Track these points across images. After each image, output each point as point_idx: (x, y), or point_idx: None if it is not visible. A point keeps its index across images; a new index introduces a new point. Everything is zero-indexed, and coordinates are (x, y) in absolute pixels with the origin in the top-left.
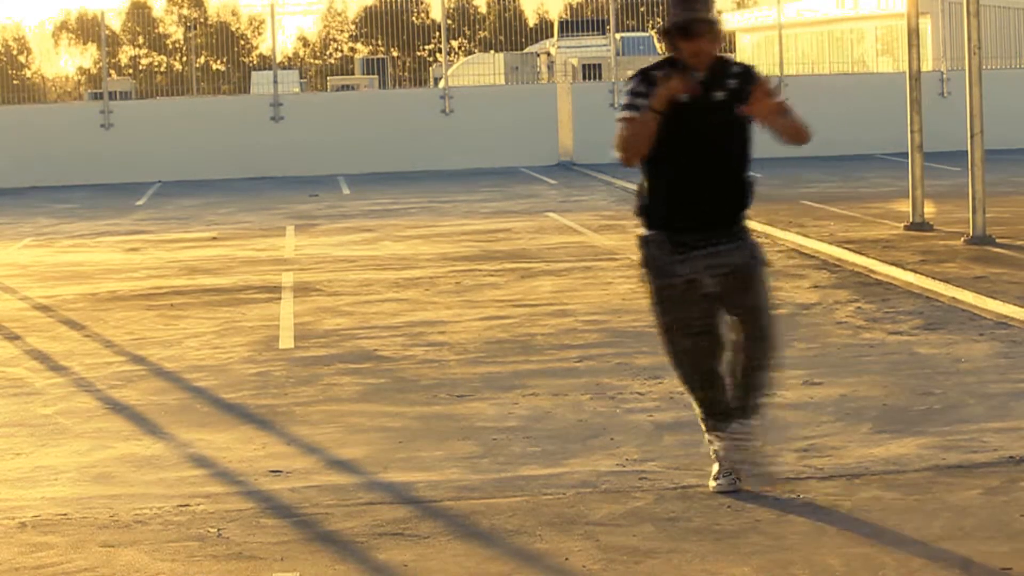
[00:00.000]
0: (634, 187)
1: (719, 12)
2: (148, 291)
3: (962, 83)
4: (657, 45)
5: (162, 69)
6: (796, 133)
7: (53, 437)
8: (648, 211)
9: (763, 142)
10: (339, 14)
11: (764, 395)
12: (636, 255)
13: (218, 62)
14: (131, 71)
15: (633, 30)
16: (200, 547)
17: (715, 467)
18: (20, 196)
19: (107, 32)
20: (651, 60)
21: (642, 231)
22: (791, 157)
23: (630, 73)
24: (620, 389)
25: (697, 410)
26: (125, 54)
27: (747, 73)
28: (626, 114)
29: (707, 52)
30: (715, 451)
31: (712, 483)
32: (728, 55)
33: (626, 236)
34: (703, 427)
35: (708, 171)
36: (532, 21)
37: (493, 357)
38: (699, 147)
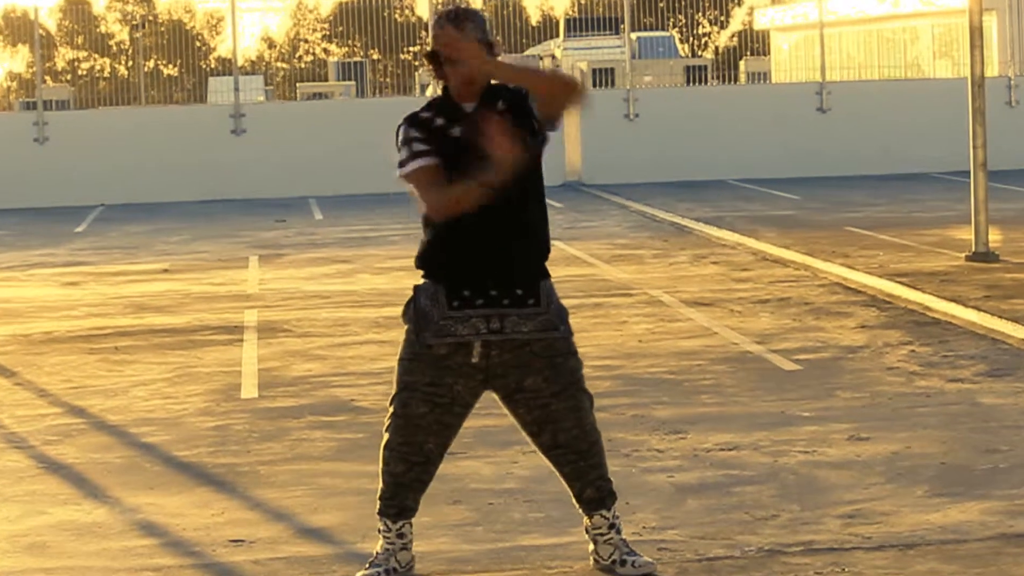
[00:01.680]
0: (653, 211)
1: (500, 40)
2: (89, 332)
3: None
4: (679, 47)
5: (105, 74)
6: (558, 89)
7: None
8: (424, 258)
9: (809, 159)
10: (311, 11)
11: (606, 480)
12: (404, 305)
13: (170, 66)
14: (69, 77)
15: (651, 29)
16: None
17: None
18: None
19: (41, 32)
20: (672, 63)
21: (419, 280)
22: (833, 177)
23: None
24: (636, 445)
25: (380, 493)
26: (62, 57)
27: (518, 94)
28: (419, 164)
29: (479, 81)
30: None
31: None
32: (504, 84)
33: (643, 268)
34: (378, 516)
35: (485, 214)
36: (535, 19)
37: (488, 408)
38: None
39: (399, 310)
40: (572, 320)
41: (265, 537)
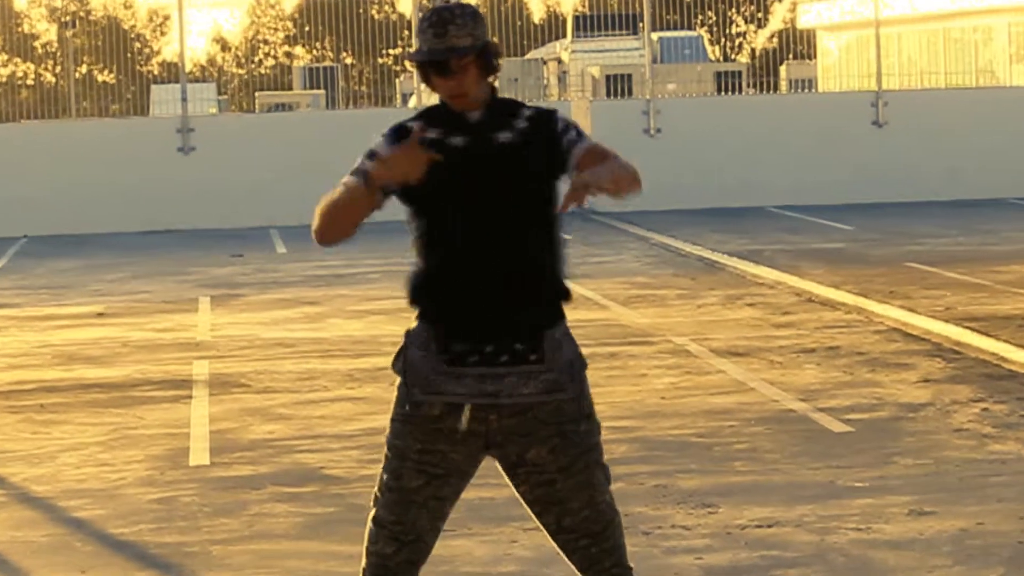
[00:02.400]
0: (678, 244)
1: (491, 37)
2: (9, 387)
3: None
4: (708, 49)
5: (28, 81)
6: (625, 183)
7: None
8: (416, 299)
9: (863, 182)
10: (271, 6)
11: (624, 567)
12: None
13: (105, 72)
14: None
15: (676, 28)
16: None
17: None
18: None
19: None
20: (700, 68)
21: (411, 322)
22: (891, 203)
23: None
24: (658, 522)
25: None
26: None
27: (545, 114)
28: (347, 179)
29: (474, 89)
30: None
31: None
32: (515, 99)
33: (666, 311)
34: None
35: (491, 247)
36: (538, 16)
37: (484, 477)
38: (476, 211)
39: (376, 361)
40: None
41: None
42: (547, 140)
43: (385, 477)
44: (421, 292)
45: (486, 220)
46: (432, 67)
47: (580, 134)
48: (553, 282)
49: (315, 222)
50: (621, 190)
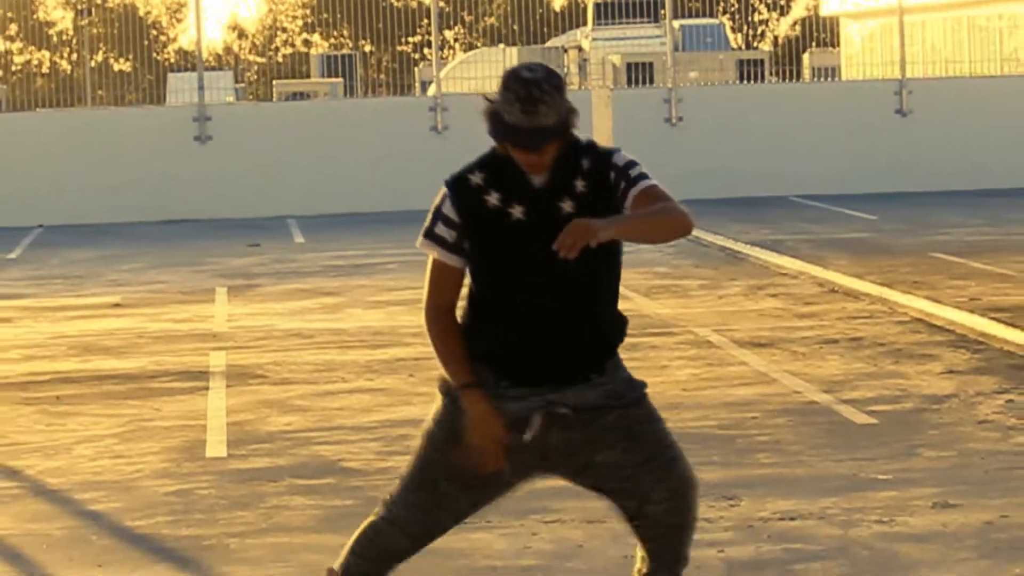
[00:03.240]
0: (699, 234)
1: (570, 102)
2: (24, 378)
3: None
4: (731, 37)
5: (44, 70)
6: (666, 230)
7: None
8: (470, 342)
9: (887, 172)
10: None
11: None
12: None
13: (121, 60)
14: (1, 73)
15: (697, 15)
16: None
17: None
18: None
19: None
20: (722, 56)
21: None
22: (916, 192)
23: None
24: None
25: (349, 570)
26: None
27: (601, 164)
28: (429, 250)
29: (550, 157)
30: None
31: None
32: (588, 144)
33: (688, 301)
34: None
35: (554, 312)
36: (559, 3)
37: None
38: (540, 280)
39: (395, 352)
40: None
41: None
42: (604, 194)
43: (417, 482)
44: (480, 343)
45: (547, 286)
46: (514, 144)
47: (636, 178)
48: (614, 335)
49: (428, 334)
50: (652, 238)
